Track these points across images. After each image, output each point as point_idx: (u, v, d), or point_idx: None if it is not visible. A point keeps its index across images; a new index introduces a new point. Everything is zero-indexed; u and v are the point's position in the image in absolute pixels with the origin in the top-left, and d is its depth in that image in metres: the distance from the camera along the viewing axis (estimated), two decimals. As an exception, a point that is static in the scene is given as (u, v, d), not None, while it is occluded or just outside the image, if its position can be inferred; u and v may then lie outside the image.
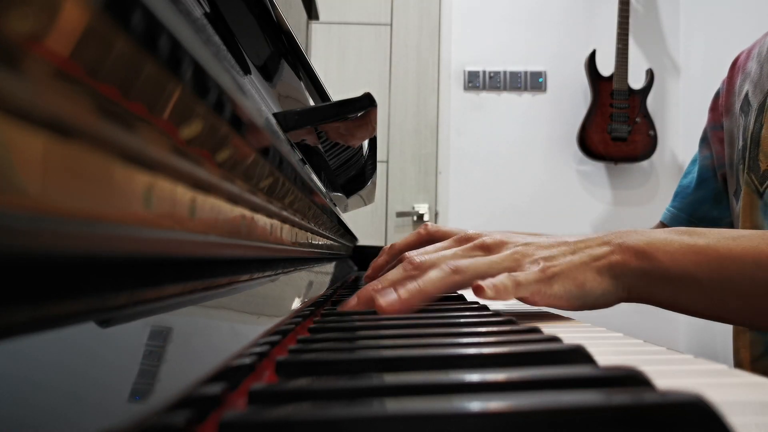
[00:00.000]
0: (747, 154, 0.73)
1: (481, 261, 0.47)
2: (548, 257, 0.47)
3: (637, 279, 0.45)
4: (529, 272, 0.45)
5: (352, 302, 0.47)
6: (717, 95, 0.85)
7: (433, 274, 0.46)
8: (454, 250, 0.50)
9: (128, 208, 0.16)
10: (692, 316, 0.48)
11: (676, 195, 0.90)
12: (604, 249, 0.46)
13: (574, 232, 0.51)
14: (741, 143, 0.75)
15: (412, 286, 0.45)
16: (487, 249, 0.49)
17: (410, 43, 2.57)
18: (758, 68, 0.74)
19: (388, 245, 0.82)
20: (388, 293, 0.44)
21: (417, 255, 0.50)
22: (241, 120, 0.24)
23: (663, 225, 0.91)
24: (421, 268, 0.48)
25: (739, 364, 0.76)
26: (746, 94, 0.75)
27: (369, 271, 0.84)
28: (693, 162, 0.89)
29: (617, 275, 0.45)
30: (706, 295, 0.45)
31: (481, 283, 0.44)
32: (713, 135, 0.85)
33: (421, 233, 0.74)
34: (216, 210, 0.25)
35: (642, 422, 0.16)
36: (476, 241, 0.50)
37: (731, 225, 0.80)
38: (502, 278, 0.45)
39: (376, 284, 0.48)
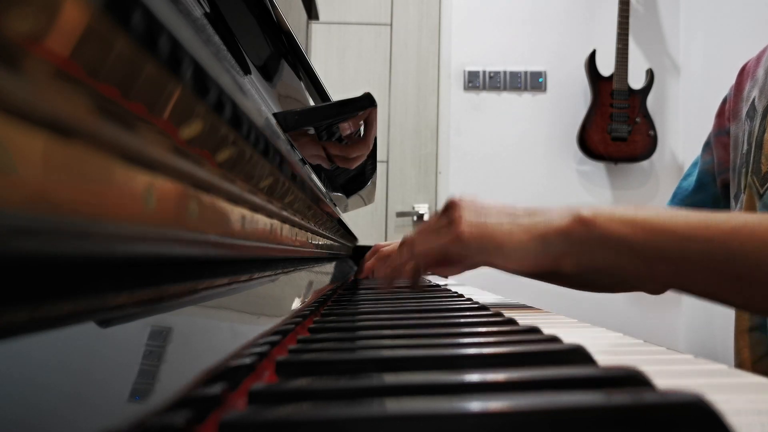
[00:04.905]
0: (751, 158, 0.73)
1: (425, 229, 0.59)
2: (475, 223, 0.53)
3: (576, 243, 0.50)
4: (442, 240, 0.55)
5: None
6: (724, 101, 0.85)
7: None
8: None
9: (128, 207, 0.16)
10: (631, 282, 0.52)
11: (675, 195, 0.91)
12: (547, 218, 0.51)
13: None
14: (746, 147, 0.75)
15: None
16: (445, 212, 0.57)
17: (410, 43, 2.57)
18: (765, 74, 0.74)
19: (376, 246, 0.95)
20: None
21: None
22: (241, 120, 0.24)
23: None
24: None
25: (740, 364, 0.76)
26: (753, 100, 0.76)
27: (361, 273, 0.98)
28: (694, 165, 0.90)
29: (551, 239, 0.50)
30: (640, 262, 0.48)
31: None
32: (716, 141, 0.85)
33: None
34: (216, 210, 0.25)
35: (642, 422, 0.16)
36: (444, 207, 0.58)
37: None
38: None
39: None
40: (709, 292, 0.49)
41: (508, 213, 0.54)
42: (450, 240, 0.55)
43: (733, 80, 0.84)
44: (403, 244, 0.61)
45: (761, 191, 0.71)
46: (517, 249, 0.51)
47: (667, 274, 0.48)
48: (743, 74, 0.82)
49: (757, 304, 0.49)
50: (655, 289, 0.51)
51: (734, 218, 0.47)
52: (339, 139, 0.61)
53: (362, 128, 0.61)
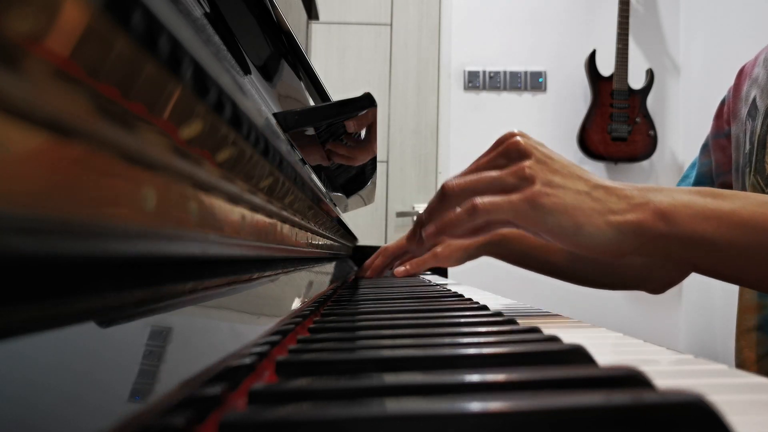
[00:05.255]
0: (754, 157, 0.74)
1: (485, 177, 0.47)
2: (554, 185, 0.46)
3: (654, 240, 0.45)
4: (515, 198, 0.45)
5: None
6: (723, 102, 0.86)
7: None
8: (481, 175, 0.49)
9: (128, 208, 0.16)
10: (708, 276, 0.48)
11: None
12: (623, 204, 0.46)
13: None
14: (748, 147, 0.76)
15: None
16: (509, 157, 0.48)
17: (410, 43, 2.57)
18: (765, 74, 0.75)
19: (383, 247, 0.89)
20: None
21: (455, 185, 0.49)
22: (241, 120, 0.24)
23: None
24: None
25: (741, 364, 0.76)
26: (754, 99, 0.76)
27: (367, 273, 0.90)
28: (692, 167, 0.90)
29: (627, 232, 0.45)
30: (726, 259, 0.45)
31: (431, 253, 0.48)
32: (715, 143, 0.85)
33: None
34: (216, 210, 0.25)
35: (642, 422, 0.16)
36: (504, 148, 0.48)
37: None
38: (457, 242, 0.47)
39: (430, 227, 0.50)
40: None
41: (583, 180, 0.47)
42: (523, 200, 0.45)
43: (732, 81, 0.84)
44: (449, 193, 0.48)
45: (766, 191, 0.71)
46: (593, 234, 0.45)
47: (748, 269, 0.46)
48: (741, 76, 0.82)
49: None
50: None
51: None
52: (340, 138, 0.60)
53: (364, 132, 0.60)
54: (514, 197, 0.45)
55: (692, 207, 0.45)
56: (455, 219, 0.47)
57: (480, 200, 0.46)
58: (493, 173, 0.47)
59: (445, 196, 0.49)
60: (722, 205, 0.45)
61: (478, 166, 0.49)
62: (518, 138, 0.48)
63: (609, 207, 0.46)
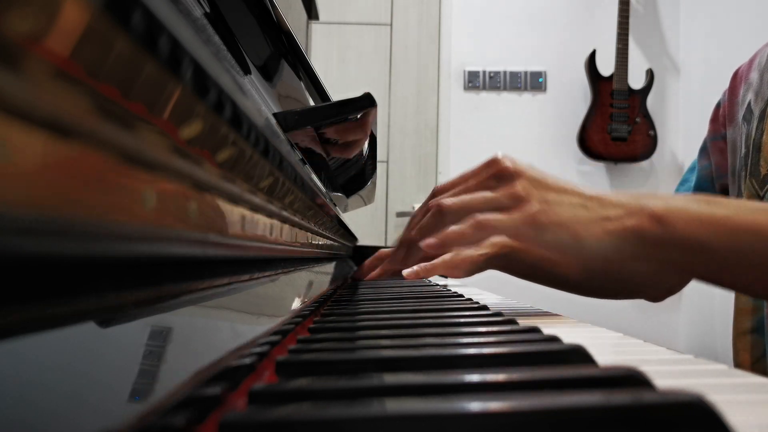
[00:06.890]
0: (749, 160, 0.74)
1: (480, 197, 0.48)
2: (550, 202, 0.47)
3: (653, 244, 0.45)
4: (515, 217, 0.46)
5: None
6: (718, 106, 0.86)
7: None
8: (470, 191, 0.51)
9: (128, 208, 0.16)
10: (709, 284, 0.48)
11: None
12: (619, 211, 0.46)
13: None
14: (743, 150, 0.76)
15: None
16: (500, 178, 0.49)
17: (410, 43, 2.57)
18: (759, 77, 0.75)
19: (380, 251, 0.86)
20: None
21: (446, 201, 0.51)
22: (241, 120, 0.24)
23: None
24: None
25: (738, 365, 0.76)
26: (749, 103, 0.76)
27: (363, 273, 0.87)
28: (691, 170, 0.90)
29: (626, 238, 0.45)
30: (721, 264, 0.45)
31: (436, 262, 0.48)
32: (713, 145, 0.85)
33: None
34: (216, 210, 0.25)
35: (642, 422, 0.16)
36: (493, 171, 0.50)
37: None
38: (467, 252, 0.47)
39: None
40: None
41: (576, 194, 0.48)
42: (522, 219, 0.46)
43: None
44: (447, 211, 0.49)
45: (761, 194, 0.71)
46: (593, 245, 0.45)
47: (746, 276, 0.45)
48: (736, 79, 0.82)
49: None
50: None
51: None
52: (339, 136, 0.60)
53: (359, 117, 0.59)
54: (515, 215, 0.46)
55: (687, 212, 0.45)
56: (460, 234, 0.47)
57: (483, 217, 0.47)
58: (488, 194, 0.48)
59: (442, 214, 0.50)
60: (716, 211, 0.45)
61: (467, 188, 0.50)
62: (507, 162, 0.49)
63: (605, 215, 0.46)
